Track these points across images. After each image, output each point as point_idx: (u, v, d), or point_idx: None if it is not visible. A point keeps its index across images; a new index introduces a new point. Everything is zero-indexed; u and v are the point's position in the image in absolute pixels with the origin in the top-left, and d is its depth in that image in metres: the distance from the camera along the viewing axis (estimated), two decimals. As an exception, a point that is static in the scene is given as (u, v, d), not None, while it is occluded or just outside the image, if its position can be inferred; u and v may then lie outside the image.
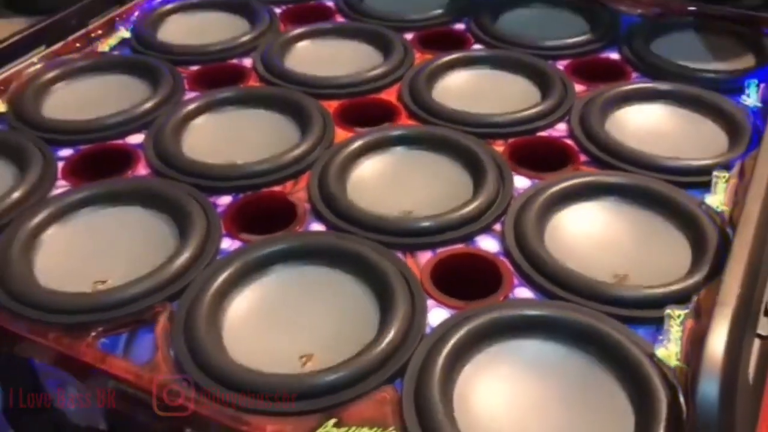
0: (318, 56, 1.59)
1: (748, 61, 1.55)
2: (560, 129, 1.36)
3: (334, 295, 1.03)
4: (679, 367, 0.90)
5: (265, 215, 1.17)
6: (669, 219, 1.13)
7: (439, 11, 1.75)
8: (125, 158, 1.31)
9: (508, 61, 1.53)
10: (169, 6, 1.77)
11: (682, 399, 0.86)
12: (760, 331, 0.94)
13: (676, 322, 0.96)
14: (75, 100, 1.44)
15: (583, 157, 1.28)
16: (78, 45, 1.63)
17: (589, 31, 1.66)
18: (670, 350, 0.93)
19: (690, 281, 1.00)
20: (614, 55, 1.61)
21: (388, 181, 1.22)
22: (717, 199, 1.15)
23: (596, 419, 0.87)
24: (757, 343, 0.93)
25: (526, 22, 1.73)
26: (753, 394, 0.88)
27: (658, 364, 0.90)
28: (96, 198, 1.18)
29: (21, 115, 1.38)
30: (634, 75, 1.53)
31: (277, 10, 1.78)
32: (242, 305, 1.02)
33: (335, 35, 1.66)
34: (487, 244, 1.10)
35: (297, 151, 1.25)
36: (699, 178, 1.18)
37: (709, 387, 0.78)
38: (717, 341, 0.80)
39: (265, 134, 1.32)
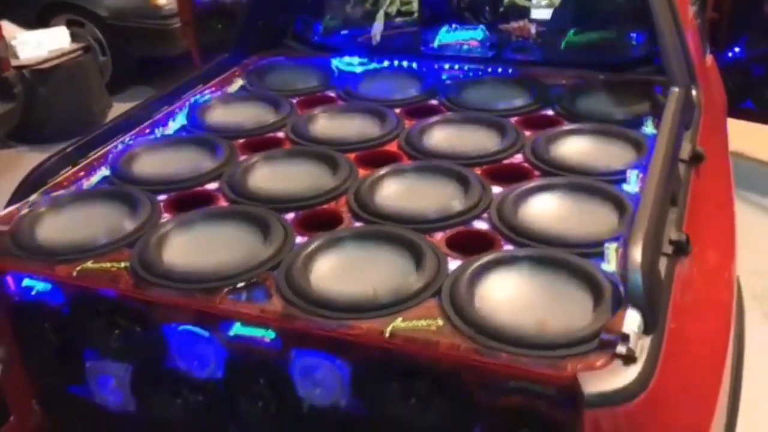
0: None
1: (644, 107, 2.14)
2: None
3: (382, 259, 1.52)
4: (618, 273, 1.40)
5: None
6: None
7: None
8: (206, 199, 1.80)
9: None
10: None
11: (621, 288, 1.35)
12: (665, 251, 1.46)
13: (611, 250, 1.47)
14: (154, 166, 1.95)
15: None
16: (147, 131, 2.14)
17: (531, 98, 2.24)
18: (611, 266, 1.44)
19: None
20: (550, 112, 2.19)
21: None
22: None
23: (568, 305, 1.37)
24: (664, 259, 1.44)
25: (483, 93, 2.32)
26: (664, 284, 1.39)
27: (605, 272, 1.41)
28: (202, 217, 1.68)
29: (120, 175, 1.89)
30: (564, 123, 2.10)
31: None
32: (323, 267, 1.50)
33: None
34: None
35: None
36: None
37: (635, 275, 1.29)
38: (636, 247, 1.32)
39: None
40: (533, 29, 2.43)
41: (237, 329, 1.47)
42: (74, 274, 1.54)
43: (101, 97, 5.17)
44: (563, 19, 2.45)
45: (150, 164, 1.96)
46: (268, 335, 1.45)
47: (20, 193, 1.79)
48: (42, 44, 4.82)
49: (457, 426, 1.37)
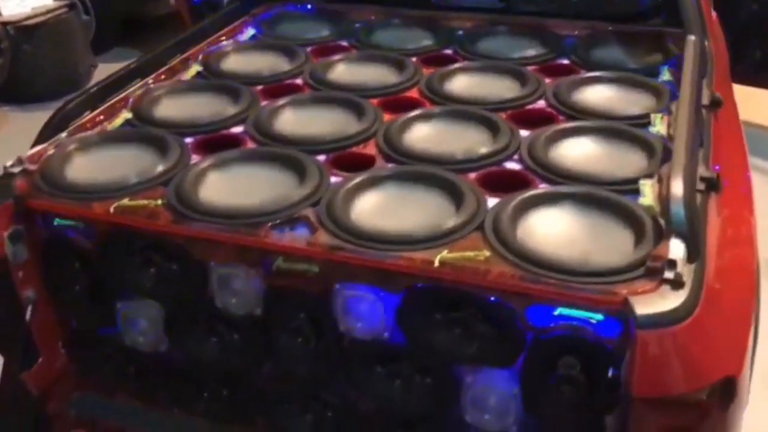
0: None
1: (658, 56, 2.18)
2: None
3: (421, 197, 1.54)
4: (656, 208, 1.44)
5: None
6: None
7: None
8: (233, 142, 1.80)
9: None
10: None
11: (661, 221, 1.39)
12: (698, 187, 1.50)
13: (647, 186, 1.51)
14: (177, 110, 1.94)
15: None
16: (163, 77, 2.12)
17: (546, 49, 2.26)
18: (647, 200, 1.47)
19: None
20: (565, 61, 2.22)
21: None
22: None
23: (610, 238, 1.40)
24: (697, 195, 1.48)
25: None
26: (701, 217, 1.43)
27: (642, 207, 1.45)
28: (236, 156, 1.67)
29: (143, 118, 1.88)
30: (582, 71, 2.12)
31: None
32: (363, 204, 1.52)
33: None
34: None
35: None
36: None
37: (678, 206, 1.33)
38: (677, 180, 1.36)
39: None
40: (548, -22, 2.44)
41: (280, 263, 1.49)
42: (111, 211, 1.53)
43: (86, 56, 5.07)
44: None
45: (173, 108, 1.94)
46: (312, 269, 1.47)
47: (44, 135, 1.77)
48: (25, 0, 4.70)
49: (501, 355, 1.41)
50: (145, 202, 1.55)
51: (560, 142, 1.72)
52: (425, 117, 1.86)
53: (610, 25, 2.39)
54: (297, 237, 1.45)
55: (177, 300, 1.63)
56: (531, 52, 2.27)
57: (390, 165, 1.68)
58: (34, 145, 1.75)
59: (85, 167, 1.68)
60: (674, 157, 1.47)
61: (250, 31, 2.47)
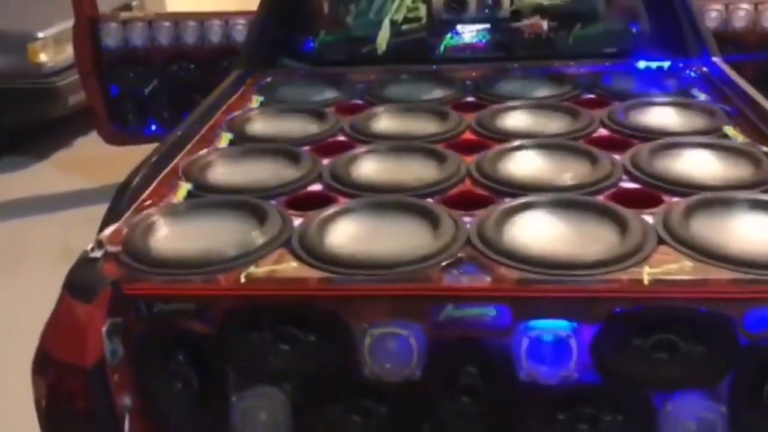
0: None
1: (675, 82, 2.28)
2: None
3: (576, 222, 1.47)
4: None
5: None
6: None
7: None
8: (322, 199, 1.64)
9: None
10: None
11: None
12: None
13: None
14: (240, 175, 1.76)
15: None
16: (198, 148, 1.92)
17: (567, 86, 2.29)
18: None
19: None
20: (591, 96, 2.25)
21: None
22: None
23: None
24: None
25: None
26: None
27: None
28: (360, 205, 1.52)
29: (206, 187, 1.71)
30: (615, 102, 2.15)
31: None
32: (521, 232, 1.42)
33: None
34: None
35: None
36: None
37: None
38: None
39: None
40: (545, 25, 2.48)
41: (450, 311, 1.33)
42: (242, 281, 1.32)
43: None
44: (570, 15, 2.53)
45: (235, 174, 1.76)
46: (489, 312, 1.32)
47: (115, 213, 1.53)
48: None
49: (716, 372, 1.31)
50: (277, 266, 1.36)
51: (680, 152, 1.73)
52: (518, 148, 1.80)
53: (608, 62, 2.47)
54: (475, 277, 1.31)
55: (313, 378, 1.41)
56: (555, 90, 2.27)
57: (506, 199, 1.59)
58: (103, 226, 1.49)
59: (180, 240, 1.45)
60: None
61: (258, 98, 2.31)
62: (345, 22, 2.59)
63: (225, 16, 3.85)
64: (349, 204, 1.55)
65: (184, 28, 3.86)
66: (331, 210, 1.53)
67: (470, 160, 1.78)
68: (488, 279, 1.30)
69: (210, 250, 1.39)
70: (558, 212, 1.48)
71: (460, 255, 1.35)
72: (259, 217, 1.51)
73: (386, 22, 2.52)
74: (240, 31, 3.74)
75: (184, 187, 1.67)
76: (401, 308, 1.33)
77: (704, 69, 2.30)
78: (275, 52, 2.58)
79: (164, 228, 1.49)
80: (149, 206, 1.58)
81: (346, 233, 1.46)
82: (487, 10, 2.54)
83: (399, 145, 1.87)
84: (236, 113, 2.16)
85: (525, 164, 1.73)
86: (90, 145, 4.94)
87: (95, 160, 4.73)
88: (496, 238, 1.38)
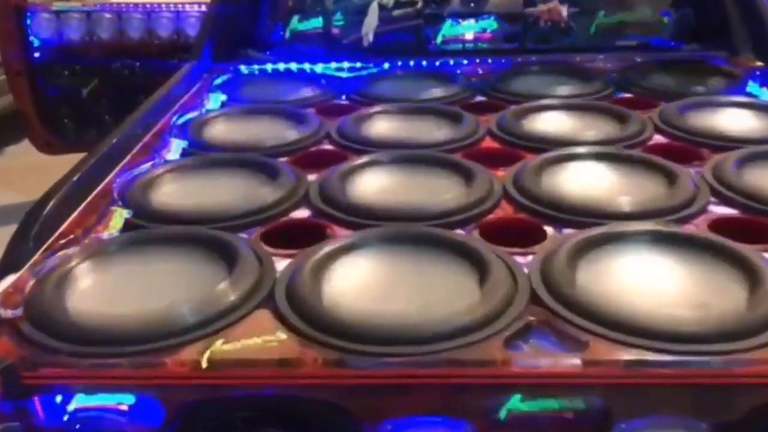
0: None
1: (721, 79, 1.90)
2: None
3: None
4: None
5: None
6: None
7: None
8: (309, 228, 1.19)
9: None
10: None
11: None
12: None
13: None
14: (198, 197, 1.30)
15: None
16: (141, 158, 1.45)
17: (596, 84, 1.88)
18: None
19: None
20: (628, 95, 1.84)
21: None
22: None
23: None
24: None
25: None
26: None
27: None
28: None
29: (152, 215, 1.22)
30: (662, 103, 1.74)
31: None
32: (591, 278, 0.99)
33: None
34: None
35: None
36: None
37: None
38: None
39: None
40: (564, 11, 2.07)
41: (516, 405, 0.90)
42: (204, 364, 0.87)
43: None
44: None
45: (190, 195, 1.30)
46: (575, 405, 0.89)
47: (17, 256, 1.05)
48: None
49: None
50: (255, 340, 0.91)
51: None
52: (560, 160, 1.38)
53: (636, 56, 2.07)
54: (555, 355, 0.88)
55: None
56: (583, 88, 1.87)
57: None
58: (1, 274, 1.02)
59: (113, 298, 0.99)
60: None
61: (218, 96, 1.85)
62: (323, 5, 2.14)
63: (176, 7, 3.37)
64: (355, 239, 1.11)
65: (128, 20, 3.38)
66: (329, 247, 1.08)
67: (501, 175, 1.36)
68: (577, 359, 0.87)
69: (157, 316, 0.94)
70: (651, 248, 1.06)
71: (528, 319, 0.93)
72: (227, 258, 1.06)
73: (374, 6, 2.08)
74: (194, 24, 3.25)
75: (120, 215, 1.21)
76: (444, 402, 0.89)
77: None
78: (237, 41, 2.12)
79: (89, 277, 1.03)
80: (68, 244, 1.11)
81: (355, 284, 1.02)
82: (472, 4, 2.13)
83: (406, 156, 1.43)
84: (190, 115, 1.70)
85: (579, 181, 1.31)
86: (21, 154, 4.38)
87: (27, 171, 4.17)
88: (575, 289, 0.96)
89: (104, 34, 3.36)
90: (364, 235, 1.11)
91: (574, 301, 0.95)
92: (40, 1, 3.56)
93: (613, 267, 1.03)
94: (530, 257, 1.08)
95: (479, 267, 1.02)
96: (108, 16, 3.36)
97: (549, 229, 1.16)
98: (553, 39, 2.15)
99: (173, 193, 1.31)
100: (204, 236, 1.12)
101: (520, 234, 1.18)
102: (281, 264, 1.07)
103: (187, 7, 3.28)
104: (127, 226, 1.19)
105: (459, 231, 1.17)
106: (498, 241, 1.13)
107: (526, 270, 1.03)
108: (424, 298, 0.98)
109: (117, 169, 1.37)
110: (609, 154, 1.40)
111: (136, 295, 1.00)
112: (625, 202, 1.21)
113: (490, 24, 2.14)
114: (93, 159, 1.36)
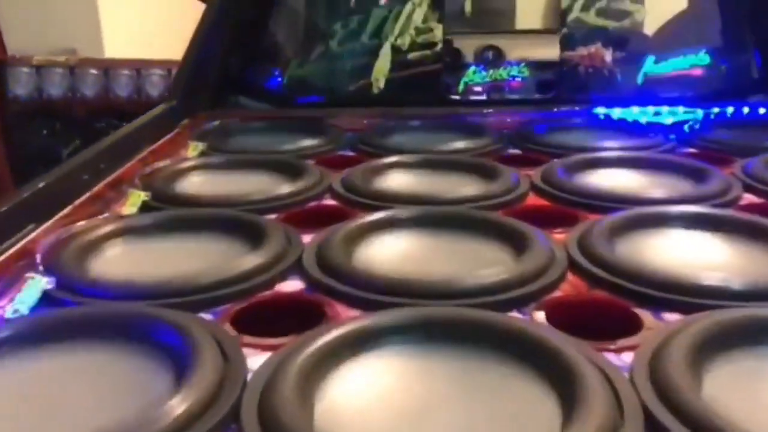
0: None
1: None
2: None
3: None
4: None
5: None
6: None
7: None
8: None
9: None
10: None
11: None
12: None
13: None
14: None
15: None
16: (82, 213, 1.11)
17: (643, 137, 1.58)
18: None
19: None
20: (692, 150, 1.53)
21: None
22: None
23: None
24: None
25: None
26: None
27: None
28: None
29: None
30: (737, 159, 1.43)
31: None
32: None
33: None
34: None
35: None
36: None
37: None
38: None
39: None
40: (608, 56, 1.78)
41: None
42: None
43: None
44: (639, 43, 1.83)
45: (150, 262, 0.96)
46: None
47: None
48: None
49: None
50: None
51: None
52: (640, 223, 1.04)
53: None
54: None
55: None
56: (638, 141, 1.56)
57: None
58: None
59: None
60: None
61: (197, 146, 1.53)
62: (327, 47, 1.85)
63: (169, 65, 3.11)
64: (369, 322, 0.76)
65: (115, 77, 3.13)
66: (329, 336, 0.73)
67: (560, 238, 1.02)
68: None
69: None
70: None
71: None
72: (176, 358, 0.72)
73: (387, 48, 1.79)
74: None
75: (36, 285, 0.86)
76: None
77: None
78: (226, 87, 1.82)
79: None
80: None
81: (367, 403, 0.66)
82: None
83: (432, 214, 1.09)
84: (161, 163, 1.38)
85: (671, 249, 0.97)
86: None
87: None
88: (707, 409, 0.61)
89: (89, 92, 3.12)
90: (381, 318, 0.77)
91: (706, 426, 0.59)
92: (20, 54, 3.33)
93: (755, 372, 0.68)
94: (624, 354, 0.73)
95: (564, 381, 0.67)
96: (94, 72, 3.12)
97: (645, 314, 0.82)
98: (592, 88, 1.84)
99: (120, 260, 0.98)
100: (142, 323, 0.77)
101: (595, 319, 0.84)
102: (257, 360, 0.72)
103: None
104: (48, 299, 0.85)
105: (515, 314, 0.83)
106: (566, 328, 0.79)
107: (626, 374, 0.69)
108: None
109: (47, 224, 1.03)
110: (702, 215, 1.07)
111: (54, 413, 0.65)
112: (741, 279, 0.87)
113: (521, 70, 1.84)
114: (6, 209, 1.00)
